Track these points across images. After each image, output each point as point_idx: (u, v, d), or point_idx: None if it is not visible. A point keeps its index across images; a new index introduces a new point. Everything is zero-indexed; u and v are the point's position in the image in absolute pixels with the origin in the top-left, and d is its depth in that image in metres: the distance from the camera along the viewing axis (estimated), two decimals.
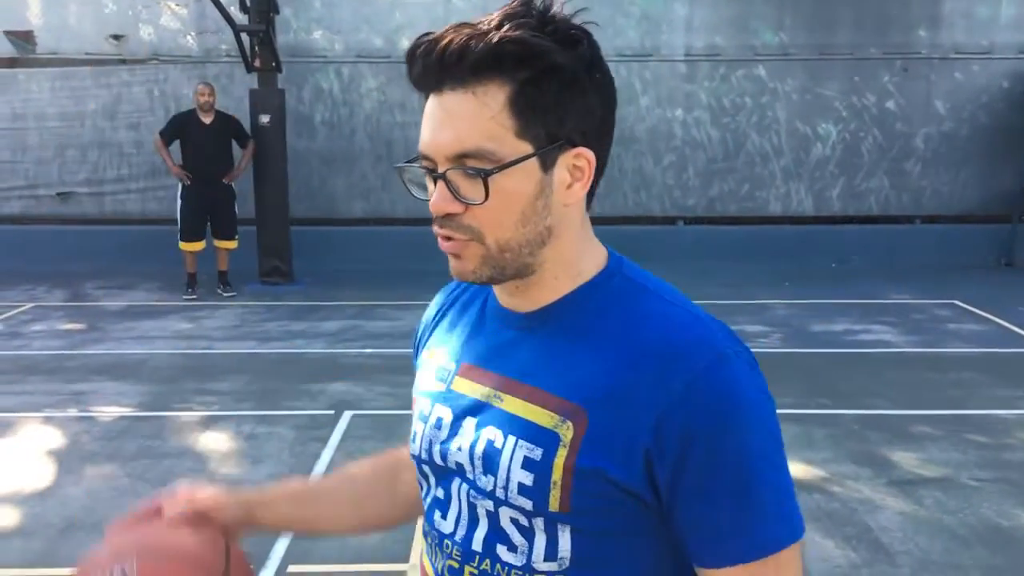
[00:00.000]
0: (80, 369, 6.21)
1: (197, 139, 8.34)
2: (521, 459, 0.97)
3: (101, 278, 9.10)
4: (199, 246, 8.52)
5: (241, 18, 8.73)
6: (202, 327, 7.44)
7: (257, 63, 8.90)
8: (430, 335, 1.20)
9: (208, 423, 5.15)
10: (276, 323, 7.59)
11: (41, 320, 7.62)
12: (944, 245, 10.04)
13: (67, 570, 3.46)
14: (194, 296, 8.41)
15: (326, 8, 9.95)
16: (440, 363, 1.13)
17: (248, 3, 8.64)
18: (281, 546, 3.69)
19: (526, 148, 0.94)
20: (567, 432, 0.95)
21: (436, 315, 1.21)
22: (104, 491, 4.23)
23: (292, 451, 4.73)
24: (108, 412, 5.33)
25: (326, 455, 4.65)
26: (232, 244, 8.61)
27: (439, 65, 0.94)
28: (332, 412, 5.29)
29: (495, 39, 0.91)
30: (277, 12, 8.90)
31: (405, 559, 3.59)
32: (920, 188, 10.34)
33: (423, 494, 1.13)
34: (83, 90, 10.00)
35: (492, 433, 1.01)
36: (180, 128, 8.39)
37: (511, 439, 0.98)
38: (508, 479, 0.98)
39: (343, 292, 8.64)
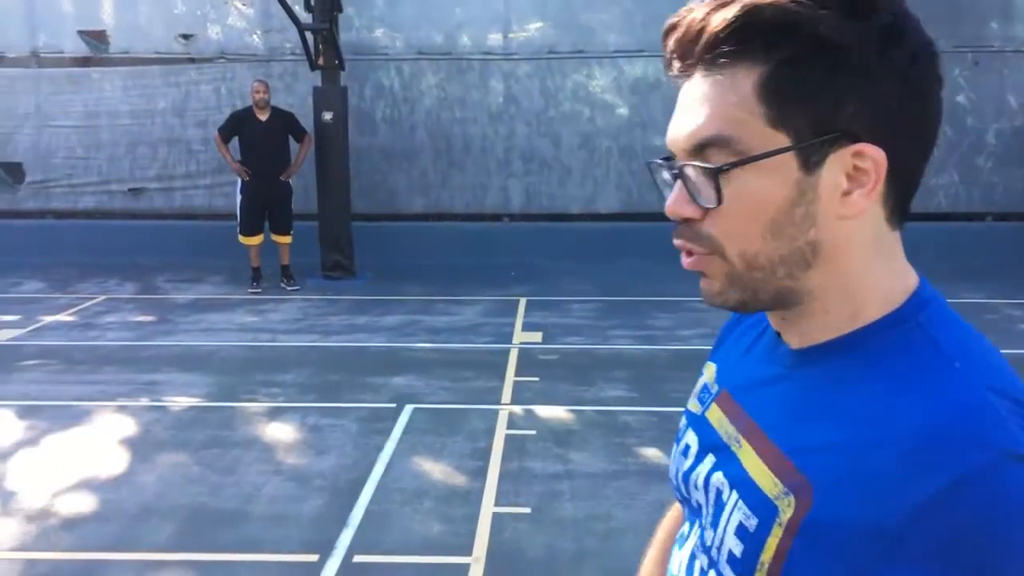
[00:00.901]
0: (151, 360, 6.40)
1: (254, 136, 8.53)
2: (736, 523, 0.81)
3: (170, 271, 9.35)
4: (258, 240, 8.70)
5: (305, 17, 8.87)
6: (267, 320, 7.60)
7: (320, 61, 9.04)
8: (725, 343, 1.03)
9: (274, 414, 5.27)
10: (338, 317, 7.71)
11: (113, 312, 7.87)
12: (1017, 243, 9.75)
13: (142, 554, 3.61)
14: (259, 290, 8.59)
15: (388, 6, 10.06)
16: (708, 381, 0.99)
17: (312, 2, 8.78)
18: (347, 536, 3.76)
19: (780, 140, 0.75)
20: (787, 509, 0.76)
21: (735, 321, 1.03)
22: (175, 478, 4.36)
23: (356, 443, 4.81)
24: (178, 402, 5.49)
25: (388, 447, 4.72)
26: (287, 239, 8.77)
27: (681, 47, 0.80)
28: (394, 405, 5.37)
29: (737, 9, 0.75)
30: (340, 10, 9.03)
31: (469, 551, 3.64)
32: (992, 184, 10.05)
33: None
34: (153, 88, 10.28)
35: (720, 480, 0.86)
36: (238, 125, 8.59)
37: (734, 495, 0.83)
38: (722, 541, 0.83)
39: (403, 287, 8.73)
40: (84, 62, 10.35)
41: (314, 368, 6.20)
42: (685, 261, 0.82)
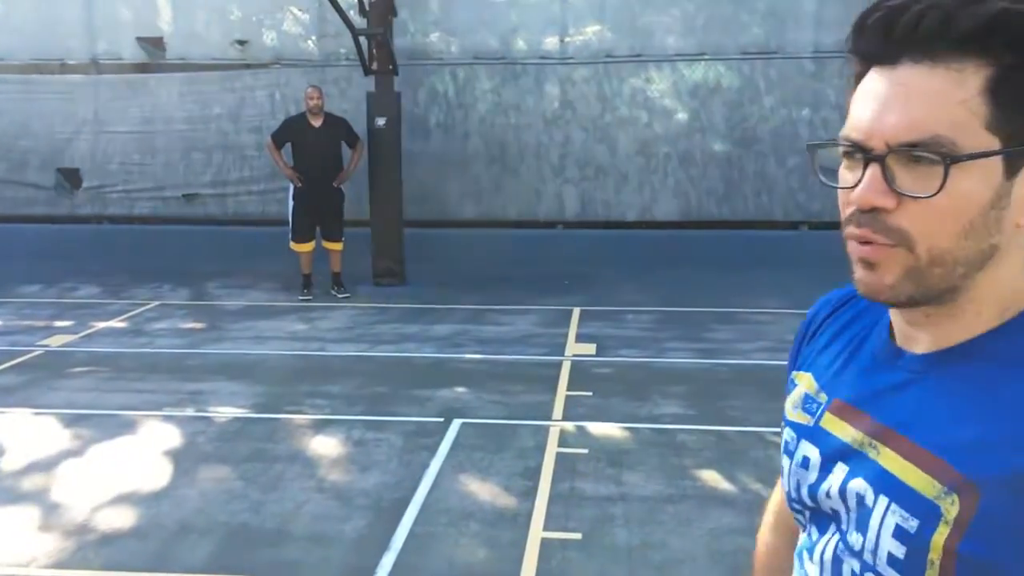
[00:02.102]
0: (199, 368, 6.33)
1: (307, 142, 8.44)
2: (892, 526, 0.82)
3: (223, 277, 9.34)
4: (309, 247, 8.61)
5: (360, 22, 8.79)
6: (316, 328, 7.51)
7: (374, 66, 8.95)
8: (805, 351, 1.04)
9: (319, 427, 5.13)
10: (388, 326, 7.58)
11: (165, 318, 7.85)
12: None
13: (179, 575, 3.48)
14: (309, 297, 8.51)
15: (443, 10, 9.94)
16: (810, 391, 0.98)
17: (367, 6, 8.69)
18: (388, 560, 3.59)
19: (993, 143, 0.77)
20: (951, 507, 0.78)
21: (813, 328, 1.04)
22: (216, 493, 4.24)
23: (400, 459, 4.64)
24: (223, 412, 5.39)
25: (435, 465, 4.54)
26: (338, 246, 8.67)
27: (904, 32, 0.78)
28: (441, 419, 5.19)
29: (996, 8, 0.75)
30: (395, 15, 8.93)
31: None
32: None
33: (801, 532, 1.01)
34: (209, 94, 10.32)
35: (862, 486, 0.86)
36: (291, 131, 8.51)
37: (883, 499, 0.83)
38: (877, 544, 0.83)
39: (454, 295, 8.58)
40: (141, 69, 10.44)
41: (362, 379, 6.06)
42: (858, 251, 0.82)
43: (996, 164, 0.77)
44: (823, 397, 0.95)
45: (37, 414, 5.35)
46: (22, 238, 10.26)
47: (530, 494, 4.19)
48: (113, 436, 4.98)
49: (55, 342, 7.02)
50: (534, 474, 4.42)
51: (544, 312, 7.93)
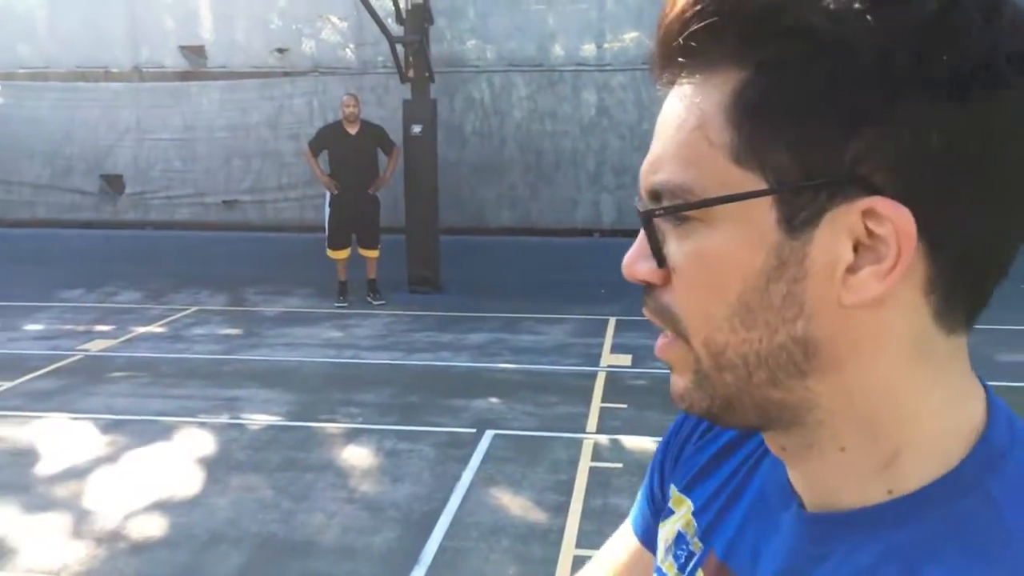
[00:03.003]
0: (235, 375, 6.36)
1: (343, 149, 8.47)
2: None
3: (260, 284, 9.40)
4: (345, 254, 8.63)
5: (397, 30, 8.81)
6: (351, 335, 7.52)
7: (411, 73, 8.96)
8: (686, 455, 0.74)
9: (351, 436, 5.12)
10: (423, 334, 7.57)
11: (203, 324, 7.92)
12: None
13: None
14: (345, 304, 8.53)
15: (479, 17, 9.94)
16: (684, 528, 0.70)
17: (404, 14, 8.71)
18: (418, 574, 3.55)
19: (749, 182, 0.50)
20: None
21: (695, 429, 0.74)
22: (248, 503, 4.24)
23: (432, 471, 4.61)
24: (257, 420, 5.40)
25: (466, 477, 4.50)
26: (374, 253, 8.69)
27: (660, 45, 0.54)
28: (474, 430, 5.15)
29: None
30: (431, 22, 8.93)
31: None
32: None
33: None
34: (248, 102, 10.42)
35: None
36: (327, 139, 8.54)
37: None
38: None
39: (489, 303, 8.54)
40: (183, 76, 10.57)
41: (395, 388, 6.04)
42: (656, 345, 0.58)
43: (761, 213, 0.50)
44: (698, 545, 0.68)
45: (74, 419, 5.40)
46: (66, 242, 10.44)
47: (562, 510, 4.13)
48: (148, 442, 5.01)
49: (95, 347, 7.10)
50: (567, 488, 4.36)
51: (579, 322, 7.86)
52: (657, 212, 0.53)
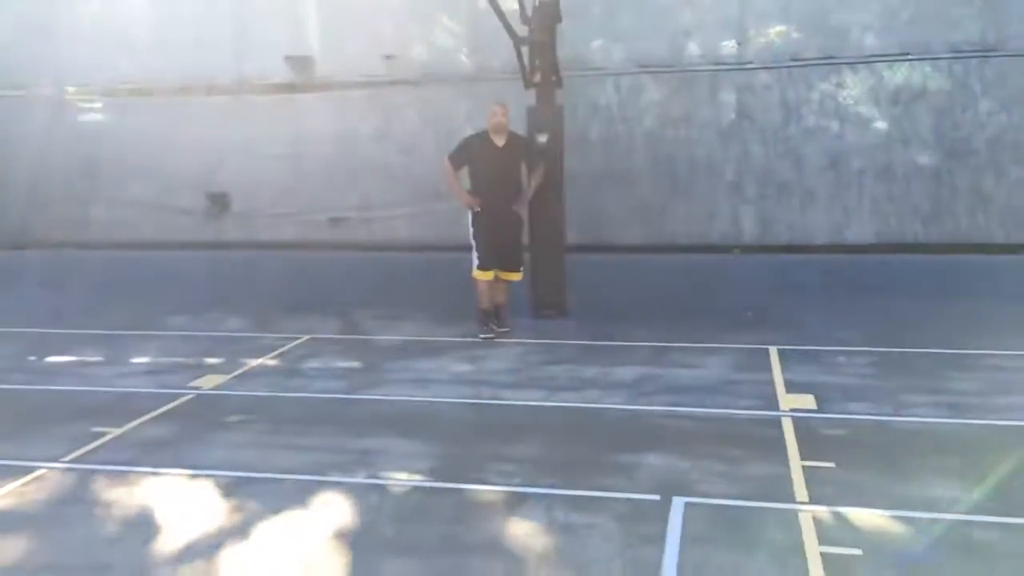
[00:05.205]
0: (361, 420, 5.65)
1: (489, 162, 7.66)
2: None
3: (372, 307, 8.76)
4: (491, 276, 7.79)
5: (521, 30, 8.04)
6: (482, 370, 6.74)
7: (536, 78, 8.18)
8: None
9: (513, 504, 4.30)
10: (561, 367, 6.74)
11: (317, 356, 7.26)
12: None
13: None
14: (491, 335, 7.68)
15: (606, 15, 9.12)
16: None
17: (530, 12, 7.94)
18: None
19: None
20: None
21: None
22: None
23: (623, 556, 3.74)
24: (399, 480, 4.64)
25: (667, 564, 3.62)
26: (517, 276, 7.90)
27: None
28: (658, 497, 4.28)
29: None
30: (560, 20, 8.11)
31: None
32: None
33: None
34: (356, 113, 9.85)
35: None
36: (472, 152, 7.73)
37: None
38: None
39: (626, 330, 7.70)
40: (289, 88, 10.03)
41: (547, 436, 5.23)
42: None
43: None
44: None
45: (194, 476, 4.74)
46: (170, 264, 10.01)
47: None
48: (279, 508, 4.29)
49: (206, 383, 6.50)
50: None
51: (735, 352, 6.94)
52: None
